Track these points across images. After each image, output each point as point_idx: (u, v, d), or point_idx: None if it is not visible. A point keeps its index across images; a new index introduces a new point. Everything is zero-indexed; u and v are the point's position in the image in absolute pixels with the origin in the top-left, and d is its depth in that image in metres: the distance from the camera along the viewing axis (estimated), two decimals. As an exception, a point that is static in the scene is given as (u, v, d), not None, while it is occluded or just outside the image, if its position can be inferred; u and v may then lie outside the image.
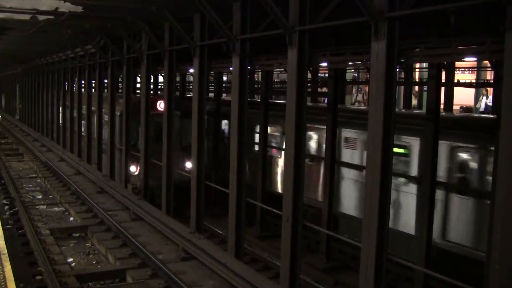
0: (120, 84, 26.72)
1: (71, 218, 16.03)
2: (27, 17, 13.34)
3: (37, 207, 16.94)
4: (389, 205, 7.66)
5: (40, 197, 18.71)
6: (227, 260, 10.57)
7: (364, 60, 11.71)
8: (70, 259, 12.49)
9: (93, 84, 24.15)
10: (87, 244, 13.69)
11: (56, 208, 17.13)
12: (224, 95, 24.63)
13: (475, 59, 14.74)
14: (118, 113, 19.34)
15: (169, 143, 14.78)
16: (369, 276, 7.67)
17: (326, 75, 20.22)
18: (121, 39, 17.27)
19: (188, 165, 17.63)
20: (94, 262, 12.50)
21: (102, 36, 17.95)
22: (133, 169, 18.27)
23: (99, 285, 11.05)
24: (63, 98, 28.66)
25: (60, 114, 29.22)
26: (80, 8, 12.21)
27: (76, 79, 26.34)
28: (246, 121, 11.28)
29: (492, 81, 19.83)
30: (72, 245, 13.66)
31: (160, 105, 17.48)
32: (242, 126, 11.19)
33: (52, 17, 13.43)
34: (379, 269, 7.64)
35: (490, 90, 22.55)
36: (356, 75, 31.37)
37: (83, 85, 25.41)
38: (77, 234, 14.43)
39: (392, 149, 7.55)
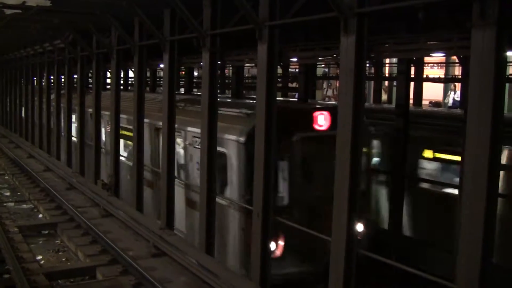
0: (90, 80, 26.49)
1: (40, 215, 15.84)
2: (-7, 11, 13.15)
3: (5, 204, 16.70)
4: (358, 199, 7.72)
5: (8, 194, 18.43)
6: (198, 256, 10.56)
7: (334, 55, 11.80)
8: (39, 257, 12.33)
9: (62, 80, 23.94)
10: (56, 242, 13.54)
11: (24, 205, 16.90)
12: (195, 90, 24.58)
13: (443, 54, 14.90)
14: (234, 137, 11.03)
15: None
16: (339, 270, 7.73)
17: (297, 70, 20.27)
18: (91, 34, 17.10)
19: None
20: (63, 259, 12.36)
21: (71, 31, 17.74)
22: (272, 246, 9.83)
23: (69, 283, 10.94)
24: (32, 94, 28.34)
25: (29, 110, 28.89)
26: (48, 2, 12.06)
27: (45, 74, 26.03)
28: (217, 119, 11.21)
29: (460, 77, 20.07)
30: (41, 242, 13.49)
31: (319, 120, 10.88)
32: (213, 124, 11.12)
33: (19, 11, 13.24)
34: (349, 263, 7.70)
35: (458, 85, 22.85)
36: (326, 70, 31.52)
37: (52, 81, 25.16)
38: (46, 232, 14.24)
39: (361, 144, 7.61)
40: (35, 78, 28.40)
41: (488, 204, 5.82)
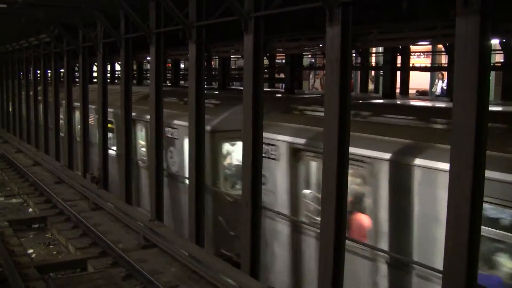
0: (77, 74, 26.41)
1: (30, 209, 15.84)
2: (-22, 6, 13.09)
3: (-6, 199, 16.71)
4: (346, 188, 7.78)
5: (-3, 189, 18.43)
6: (188, 247, 10.61)
7: (321, 45, 11.84)
8: (30, 251, 12.37)
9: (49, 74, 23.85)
10: (46, 235, 13.57)
11: (14, 200, 16.90)
12: (182, 82, 24.56)
13: (428, 43, 14.97)
14: None
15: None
16: (329, 258, 7.81)
17: (283, 60, 20.32)
18: (76, 28, 17.05)
19: None
20: (54, 252, 12.41)
21: (57, 25, 17.67)
22: None
23: (60, 275, 10.98)
24: (19, 88, 28.21)
25: (17, 105, 28.77)
26: (33, -4, 12.06)
27: (31, 69, 25.92)
28: (204, 110, 11.24)
29: (446, 65, 20.19)
30: (31, 236, 13.52)
31: None
32: (200, 115, 11.15)
33: (4, 5, 13.19)
34: (338, 251, 7.78)
35: (446, 74, 22.95)
36: (313, 60, 31.57)
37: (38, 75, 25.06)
38: (36, 225, 14.27)
39: (349, 133, 7.66)
40: (21, 73, 28.26)
41: (474, 189, 5.90)
